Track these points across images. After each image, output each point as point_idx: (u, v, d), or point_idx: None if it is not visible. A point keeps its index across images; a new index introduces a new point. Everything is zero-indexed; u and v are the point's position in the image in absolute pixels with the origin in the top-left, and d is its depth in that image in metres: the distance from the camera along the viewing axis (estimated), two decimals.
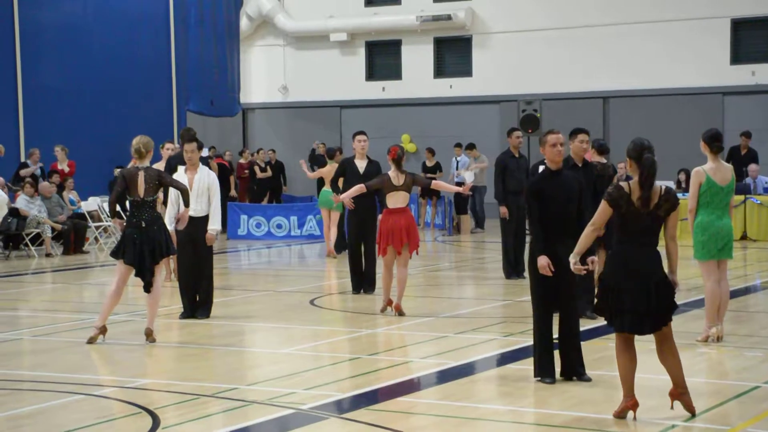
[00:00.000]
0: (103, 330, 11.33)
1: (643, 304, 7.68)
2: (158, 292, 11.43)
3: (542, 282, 8.99)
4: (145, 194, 11.23)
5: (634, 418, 7.82)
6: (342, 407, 8.47)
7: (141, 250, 11.17)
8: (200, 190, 12.60)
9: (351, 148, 15.72)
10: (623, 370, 7.86)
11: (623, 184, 7.85)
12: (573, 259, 8.03)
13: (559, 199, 9.05)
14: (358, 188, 13.25)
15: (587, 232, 7.95)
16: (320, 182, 22.79)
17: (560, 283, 9.03)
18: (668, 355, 7.87)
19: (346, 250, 20.34)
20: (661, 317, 7.79)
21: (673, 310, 7.86)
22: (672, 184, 21.81)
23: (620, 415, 7.86)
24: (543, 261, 8.95)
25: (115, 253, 11.37)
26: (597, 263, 9.33)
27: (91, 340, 11.25)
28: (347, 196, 13.48)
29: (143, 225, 11.23)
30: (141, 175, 11.24)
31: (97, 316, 11.51)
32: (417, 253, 13.31)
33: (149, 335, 11.28)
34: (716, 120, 28.67)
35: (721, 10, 29.65)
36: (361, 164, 14.96)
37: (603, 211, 7.85)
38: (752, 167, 24.93)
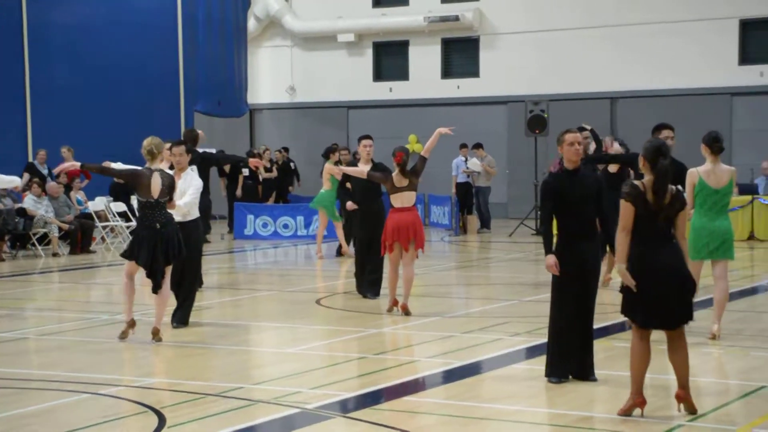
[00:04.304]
0: (132, 324, 11.36)
1: (672, 299, 7.70)
2: (166, 292, 11.43)
3: (564, 282, 8.93)
4: (160, 195, 11.18)
5: (642, 414, 7.81)
6: (348, 407, 8.47)
7: (155, 251, 11.13)
8: (184, 194, 12.10)
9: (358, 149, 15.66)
10: (636, 368, 7.84)
11: (637, 182, 7.83)
12: (620, 268, 7.77)
13: (576, 199, 8.92)
14: (359, 171, 13.84)
15: (620, 239, 7.77)
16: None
17: (584, 285, 8.98)
18: (679, 353, 7.86)
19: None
20: (687, 312, 7.81)
21: (692, 306, 7.89)
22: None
23: (626, 413, 7.84)
24: (550, 260, 8.91)
25: (128, 255, 11.31)
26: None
27: (123, 335, 11.32)
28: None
29: (158, 227, 11.16)
30: (157, 177, 11.13)
31: (107, 314, 11.52)
32: (422, 251, 13.25)
33: (156, 334, 11.28)
34: (724, 121, 28.63)
35: (729, 10, 29.56)
36: (365, 169, 14.88)
37: (626, 211, 7.79)
38: (765, 164, 24.89)
